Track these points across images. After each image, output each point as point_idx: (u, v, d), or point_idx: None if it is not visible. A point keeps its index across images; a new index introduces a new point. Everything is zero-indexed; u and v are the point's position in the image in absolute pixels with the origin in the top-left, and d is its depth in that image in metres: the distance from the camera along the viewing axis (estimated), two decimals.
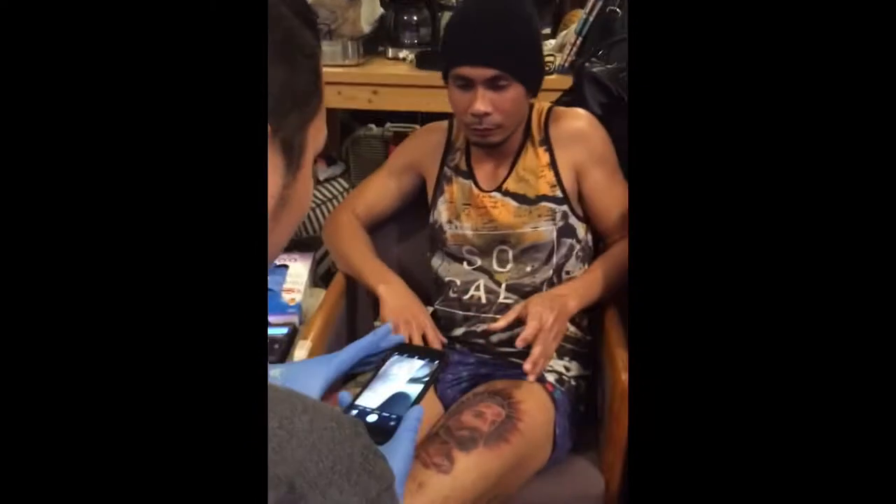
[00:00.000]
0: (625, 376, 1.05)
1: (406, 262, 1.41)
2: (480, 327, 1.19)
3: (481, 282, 1.20)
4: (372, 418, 0.66)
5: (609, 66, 1.53)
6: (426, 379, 0.71)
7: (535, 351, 1.05)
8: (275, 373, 0.69)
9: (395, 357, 0.75)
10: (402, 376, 0.72)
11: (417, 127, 2.19)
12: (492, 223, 1.19)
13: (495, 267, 1.20)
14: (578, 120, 1.21)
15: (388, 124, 2.21)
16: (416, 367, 0.74)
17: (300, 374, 0.70)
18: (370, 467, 0.39)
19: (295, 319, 1.23)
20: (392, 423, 0.64)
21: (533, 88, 1.14)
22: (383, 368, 0.74)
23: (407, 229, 1.40)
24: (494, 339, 1.19)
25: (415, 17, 1.93)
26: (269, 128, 0.40)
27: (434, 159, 1.28)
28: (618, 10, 1.86)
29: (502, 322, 1.09)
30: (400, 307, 1.15)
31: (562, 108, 1.23)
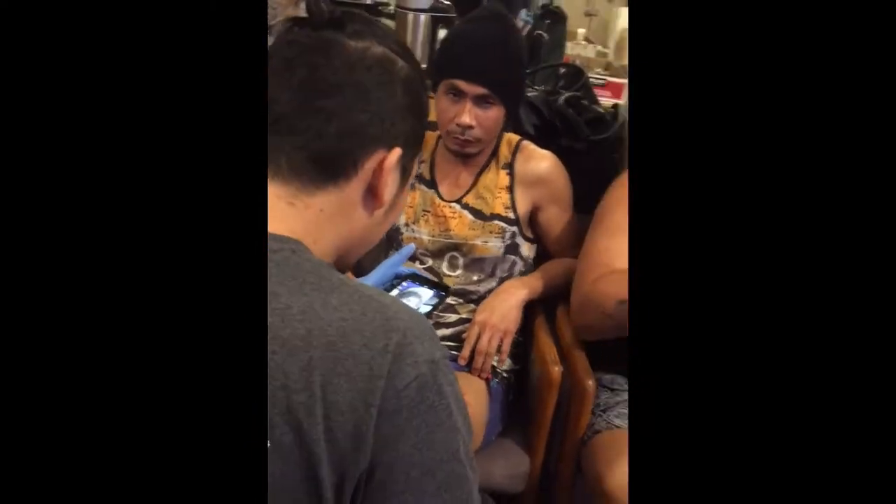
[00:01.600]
0: (553, 368, 1.21)
1: (363, 262, 1.50)
2: None
3: None
4: None
5: (538, 90, 1.69)
6: (433, 303, 0.86)
7: (475, 367, 1.26)
8: None
9: (408, 283, 0.88)
10: (412, 301, 0.86)
11: None
12: (447, 232, 1.32)
13: (445, 270, 1.34)
14: (544, 161, 1.34)
15: None
16: (425, 295, 0.87)
17: None
18: (436, 336, 0.56)
19: None
20: None
21: (511, 111, 1.28)
22: (395, 292, 0.86)
23: None
24: (438, 333, 1.31)
25: None
26: (399, 154, 0.58)
27: None
28: (544, 34, 2.03)
29: (465, 352, 1.28)
30: None
31: (531, 146, 1.36)
